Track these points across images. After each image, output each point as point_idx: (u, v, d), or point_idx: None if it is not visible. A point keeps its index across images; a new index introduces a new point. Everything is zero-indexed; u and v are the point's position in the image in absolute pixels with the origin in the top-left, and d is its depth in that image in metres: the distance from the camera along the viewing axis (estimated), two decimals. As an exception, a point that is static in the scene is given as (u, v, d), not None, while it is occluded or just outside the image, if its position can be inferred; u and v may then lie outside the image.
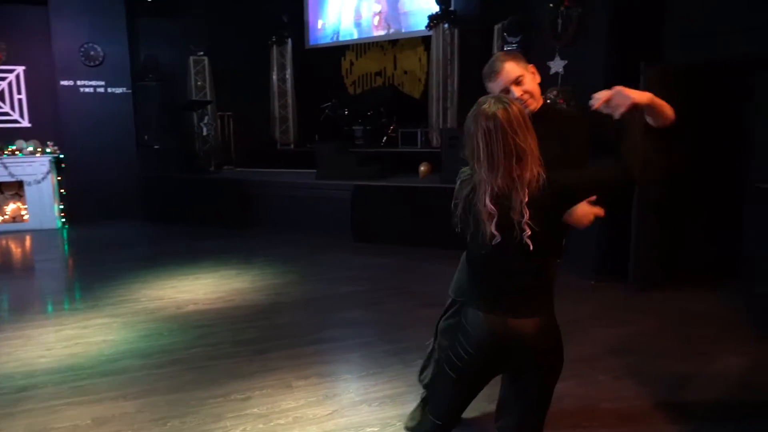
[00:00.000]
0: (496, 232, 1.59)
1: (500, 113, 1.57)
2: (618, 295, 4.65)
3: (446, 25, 7.79)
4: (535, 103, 2.01)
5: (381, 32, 9.36)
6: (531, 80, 2.02)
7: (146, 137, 8.44)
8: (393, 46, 9.55)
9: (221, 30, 8.90)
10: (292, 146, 9.73)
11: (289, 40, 9.50)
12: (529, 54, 5.52)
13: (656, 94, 2.01)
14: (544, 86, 5.16)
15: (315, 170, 7.52)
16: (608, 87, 5.35)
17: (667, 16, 4.69)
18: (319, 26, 9.90)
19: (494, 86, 2.02)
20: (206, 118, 8.63)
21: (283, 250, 6.27)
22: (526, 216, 1.56)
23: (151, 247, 6.72)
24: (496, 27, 6.73)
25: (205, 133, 8.56)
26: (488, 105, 1.60)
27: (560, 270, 1.92)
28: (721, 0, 4.30)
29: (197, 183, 8.15)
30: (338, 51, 9.94)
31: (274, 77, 9.62)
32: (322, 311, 4.30)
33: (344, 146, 8.05)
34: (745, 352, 3.47)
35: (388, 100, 9.30)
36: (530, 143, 1.59)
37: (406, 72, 9.53)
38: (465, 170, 1.74)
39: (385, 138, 8.90)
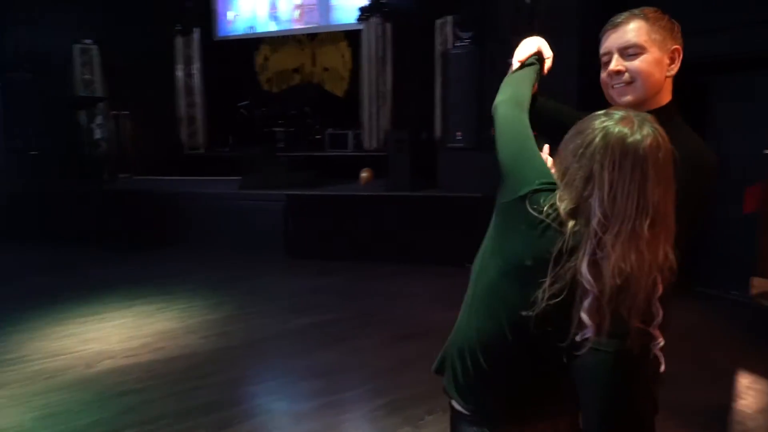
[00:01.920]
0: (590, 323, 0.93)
1: (649, 145, 0.94)
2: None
3: (377, 19, 7.21)
4: (636, 99, 1.29)
5: (302, 26, 8.58)
6: (655, 64, 1.29)
7: (18, 140, 6.92)
8: (311, 40, 8.81)
9: (114, 15, 7.58)
10: (202, 150, 8.62)
11: (197, 31, 8.38)
12: (486, 51, 5.10)
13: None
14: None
15: (236, 178, 6.60)
16: (582, 88, 4.88)
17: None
18: (231, 17, 8.88)
19: (601, 47, 1.36)
20: (98, 118, 7.29)
21: (209, 274, 5.30)
22: (658, 317, 0.95)
23: (33, 280, 5.26)
24: (438, 22, 6.28)
25: (98, 135, 7.21)
26: (632, 127, 0.96)
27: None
28: (679, 3, 4.16)
29: (89, 195, 6.80)
30: (251, 44, 8.99)
31: (180, 72, 8.46)
32: (282, 355, 3.50)
33: (271, 151, 7.17)
34: None
35: (313, 99, 8.54)
36: (669, 203, 0.96)
37: (327, 69, 8.84)
38: (548, 207, 1.00)
39: (312, 140, 8.13)
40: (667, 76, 1.29)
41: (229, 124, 8.61)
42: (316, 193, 6.14)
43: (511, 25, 4.79)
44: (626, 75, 1.28)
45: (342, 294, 4.73)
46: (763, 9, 3.78)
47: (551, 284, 0.96)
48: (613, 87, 1.31)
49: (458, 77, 5.34)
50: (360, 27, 7.46)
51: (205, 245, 6.16)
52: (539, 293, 0.97)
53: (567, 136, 1.05)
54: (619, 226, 0.92)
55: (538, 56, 1.46)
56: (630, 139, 0.93)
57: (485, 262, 1.16)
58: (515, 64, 1.44)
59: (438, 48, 6.22)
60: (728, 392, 3.07)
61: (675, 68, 1.31)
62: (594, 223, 0.93)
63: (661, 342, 0.99)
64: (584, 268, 0.92)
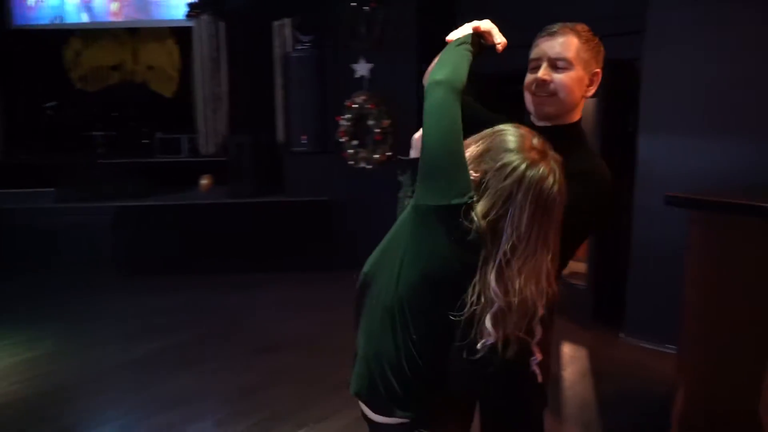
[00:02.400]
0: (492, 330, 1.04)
1: (558, 191, 1.04)
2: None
3: (209, 17, 6.82)
4: (554, 113, 1.38)
5: (120, 19, 7.74)
6: (578, 81, 1.35)
7: None
8: (132, 36, 8.02)
9: None
10: (-3, 158, 7.32)
11: (-16, 17, 7.10)
12: (327, 54, 5.14)
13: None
14: (349, 90, 4.91)
15: (47, 189, 5.75)
16: (422, 98, 5.18)
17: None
18: (32, 3, 7.66)
19: (533, 51, 1.41)
20: None
21: (24, 304, 4.56)
22: (538, 335, 1.08)
23: None
24: (276, 24, 6.16)
25: None
26: (550, 171, 1.04)
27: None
28: (499, 19, 4.64)
29: None
30: (58, 36, 7.87)
31: (-37, 65, 7.08)
32: (126, 390, 3.13)
33: (92, 157, 6.37)
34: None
35: (137, 100, 7.78)
36: (559, 241, 1.09)
37: (151, 68, 8.11)
38: (477, 219, 1.03)
39: (138, 145, 7.39)
40: (583, 96, 1.36)
41: (33, 126, 7.45)
42: (150, 203, 5.61)
43: (350, 31, 4.89)
44: (551, 86, 1.34)
45: (190, 312, 4.41)
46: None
47: (476, 289, 1.01)
48: (534, 94, 1.36)
49: (300, 80, 5.30)
50: (190, 24, 6.98)
51: (17, 268, 5.26)
52: (467, 297, 1.01)
53: (490, 140, 1.09)
54: (526, 257, 1.00)
55: (478, 38, 1.34)
56: (547, 185, 1.02)
57: (403, 269, 1.12)
58: (451, 37, 1.33)
59: (277, 50, 6.10)
60: (557, 362, 3.52)
61: (592, 90, 1.40)
62: (506, 244, 0.99)
63: (539, 358, 1.10)
64: (493, 281, 0.98)
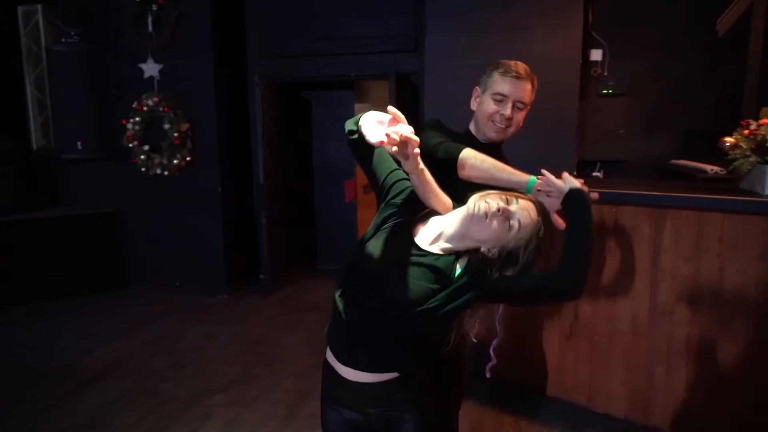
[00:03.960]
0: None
1: None
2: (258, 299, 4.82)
3: None
4: (504, 139, 1.85)
5: None
6: (521, 120, 1.82)
7: None
8: None
9: None
10: None
11: None
12: (106, 51, 4.71)
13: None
14: (137, 92, 4.57)
15: None
16: (222, 98, 5.23)
17: (249, 35, 4.97)
18: None
19: (500, 85, 1.74)
20: None
21: None
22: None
23: None
24: (21, 9, 5.24)
25: None
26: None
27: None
28: (282, 30, 4.91)
29: None
30: None
31: None
32: None
33: None
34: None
35: None
36: None
37: None
38: None
39: None
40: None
41: None
42: None
43: (134, 28, 4.55)
44: (510, 122, 1.76)
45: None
46: (344, 44, 4.87)
47: None
48: (494, 123, 1.76)
49: (69, 79, 4.67)
50: None
51: None
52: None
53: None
54: None
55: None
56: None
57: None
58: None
59: (24, 41, 5.18)
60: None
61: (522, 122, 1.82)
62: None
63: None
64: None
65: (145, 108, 4.56)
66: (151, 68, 4.57)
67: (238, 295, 4.95)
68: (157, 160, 4.64)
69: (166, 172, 4.68)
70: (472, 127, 1.88)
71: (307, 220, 5.84)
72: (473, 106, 1.87)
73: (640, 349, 2.68)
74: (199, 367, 3.50)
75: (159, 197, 4.81)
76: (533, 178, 1.46)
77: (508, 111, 1.74)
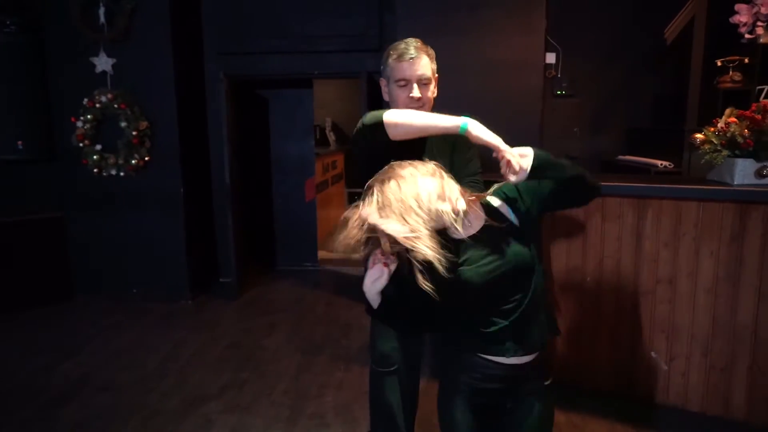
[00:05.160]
0: None
1: None
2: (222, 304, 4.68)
3: None
4: None
5: None
6: (434, 90, 1.84)
7: None
8: None
9: None
10: None
11: None
12: (49, 43, 4.38)
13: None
14: (88, 88, 4.27)
15: None
16: (182, 94, 5.10)
17: (205, 30, 4.80)
18: None
19: (398, 71, 1.75)
20: None
21: None
22: None
23: None
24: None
25: None
26: None
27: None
28: (240, 27, 4.80)
29: None
30: None
31: None
32: None
33: None
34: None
35: None
36: None
37: None
38: None
39: None
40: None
41: None
42: None
43: (82, 19, 4.23)
44: (422, 100, 1.79)
45: None
46: (303, 41, 4.83)
47: None
48: (409, 106, 1.77)
49: (5, 73, 4.26)
50: None
51: None
52: None
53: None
54: None
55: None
56: None
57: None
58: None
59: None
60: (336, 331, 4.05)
61: (436, 90, 1.85)
62: None
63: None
64: None
65: (97, 105, 4.27)
66: (103, 62, 4.28)
67: (202, 299, 4.78)
68: (111, 161, 4.36)
69: (122, 173, 4.41)
70: None
71: (265, 220, 5.73)
72: (385, 97, 1.90)
73: (623, 326, 2.93)
74: (180, 376, 3.36)
75: (113, 200, 4.52)
76: (464, 123, 1.35)
77: (416, 92, 1.77)
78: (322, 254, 5.91)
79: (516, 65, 4.20)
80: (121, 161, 4.36)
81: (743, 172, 2.61)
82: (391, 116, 1.47)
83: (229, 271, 4.85)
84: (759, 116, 2.48)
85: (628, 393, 2.96)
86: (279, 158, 5.66)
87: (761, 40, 3.91)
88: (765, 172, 2.56)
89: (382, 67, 1.87)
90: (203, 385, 3.24)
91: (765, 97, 4.13)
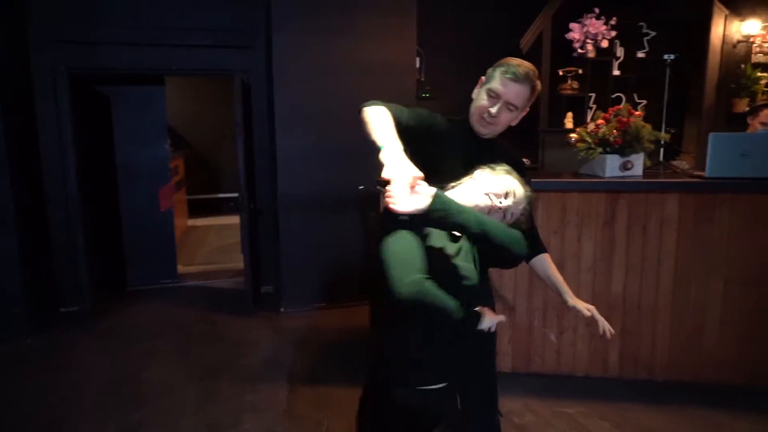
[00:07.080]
0: None
1: None
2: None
3: None
4: (489, 134, 1.80)
5: None
6: (513, 119, 1.77)
7: None
8: None
9: None
10: None
11: None
12: None
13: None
14: None
15: None
16: (6, 92, 4.49)
17: (33, 14, 4.02)
18: None
19: (496, 83, 1.71)
20: None
21: None
22: None
23: None
24: None
25: None
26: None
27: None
28: (76, 12, 4.17)
29: None
30: None
31: None
32: None
33: None
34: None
35: None
36: None
37: None
38: None
39: None
40: (509, 125, 1.78)
41: None
42: None
43: None
44: (495, 120, 1.73)
45: None
46: (160, 32, 4.36)
47: None
48: (482, 116, 1.74)
49: None
50: None
51: None
52: None
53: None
54: None
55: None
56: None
57: None
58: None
59: None
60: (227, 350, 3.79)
61: (517, 122, 1.79)
62: None
63: None
64: None
65: None
66: None
67: (48, 335, 4.00)
68: None
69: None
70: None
71: (112, 235, 5.01)
72: (473, 94, 1.82)
73: (521, 309, 3.24)
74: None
75: None
76: (382, 146, 1.42)
77: (495, 109, 1.71)
78: (181, 268, 5.38)
79: (390, 67, 4.34)
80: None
81: (612, 166, 3.07)
82: (367, 110, 1.59)
83: (77, 298, 4.13)
84: (625, 119, 2.94)
85: (527, 369, 3.29)
86: (126, 164, 4.99)
87: (589, 55, 4.64)
88: (629, 165, 3.05)
89: (491, 69, 1.78)
90: (87, 437, 2.74)
91: (594, 103, 4.92)
